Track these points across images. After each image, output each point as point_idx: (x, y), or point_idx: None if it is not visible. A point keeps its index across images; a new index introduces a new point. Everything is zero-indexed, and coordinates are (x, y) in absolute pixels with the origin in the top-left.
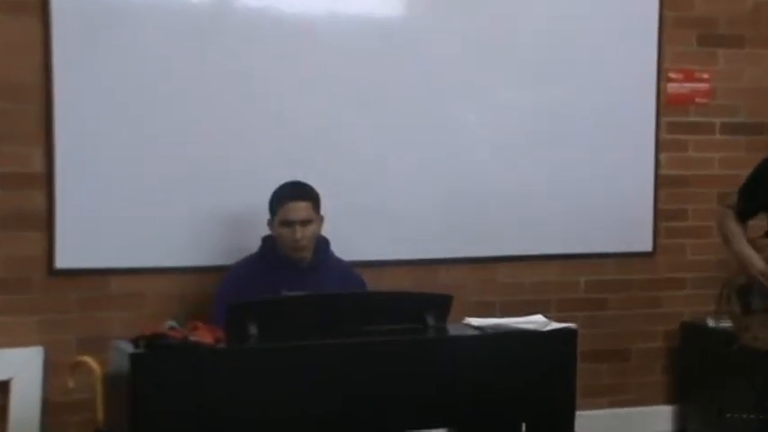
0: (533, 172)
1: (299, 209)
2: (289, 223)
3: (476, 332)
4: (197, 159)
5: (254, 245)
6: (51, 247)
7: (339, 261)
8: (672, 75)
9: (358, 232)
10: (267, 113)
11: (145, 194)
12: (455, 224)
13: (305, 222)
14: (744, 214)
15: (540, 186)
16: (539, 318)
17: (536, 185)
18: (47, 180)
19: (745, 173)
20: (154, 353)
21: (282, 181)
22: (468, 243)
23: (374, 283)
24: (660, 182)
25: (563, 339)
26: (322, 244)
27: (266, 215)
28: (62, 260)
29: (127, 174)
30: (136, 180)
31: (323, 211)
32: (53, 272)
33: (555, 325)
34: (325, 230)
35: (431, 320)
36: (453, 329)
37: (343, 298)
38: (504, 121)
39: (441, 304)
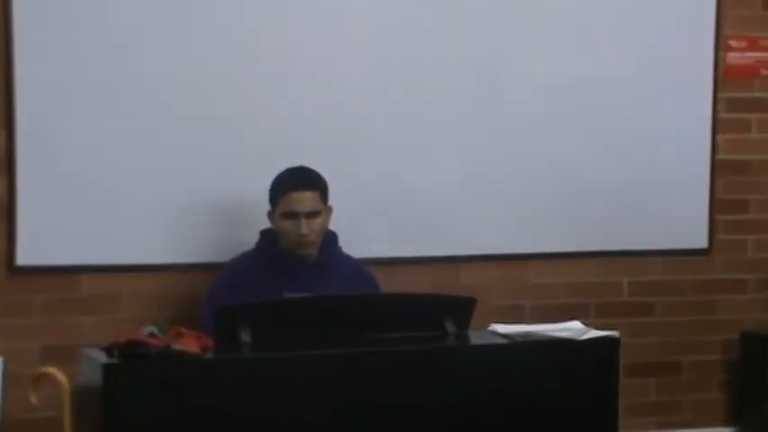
0: (569, 157)
1: (305, 199)
2: (293, 215)
3: (502, 341)
4: (183, 142)
5: (250, 240)
6: (12, 242)
7: (348, 258)
8: (732, 43)
9: (369, 226)
10: (265, 90)
11: (121, 181)
12: (480, 217)
13: (311, 214)
14: None
15: (577, 173)
16: (575, 324)
17: (572, 172)
18: (7, 166)
19: None
20: (130, 363)
21: (284, 167)
22: (494, 238)
23: (387, 283)
24: (717, 168)
25: (603, 350)
26: (329, 239)
27: (265, 205)
28: (24, 256)
29: (100, 158)
30: (111, 165)
31: (330, 202)
32: (14, 270)
33: (594, 333)
34: (333, 224)
35: (450, 327)
36: (476, 337)
37: (352, 300)
38: (538, 98)
39: (462, 308)
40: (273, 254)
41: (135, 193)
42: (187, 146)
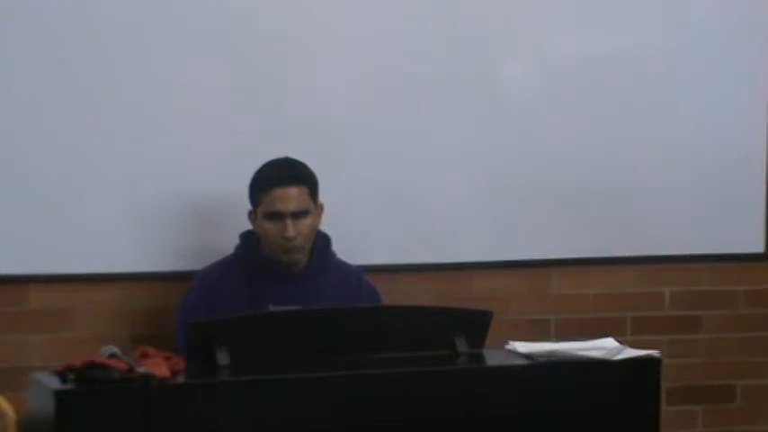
0: (598, 148)
1: (291, 196)
2: (277, 215)
3: (523, 362)
4: (150, 135)
5: (228, 244)
6: None
7: (343, 265)
8: None
9: (368, 228)
10: (246, 77)
11: (76, 179)
12: (495, 218)
13: (299, 214)
14: None
15: (609, 168)
16: (609, 342)
17: (603, 166)
18: None
19: None
20: (87, 389)
21: (266, 160)
22: (512, 242)
23: (389, 294)
24: None
25: (642, 372)
26: (321, 243)
27: (244, 205)
28: None
29: (50, 153)
30: (63, 160)
31: (323, 201)
32: None
33: (631, 352)
34: (326, 226)
35: (462, 345)
36: (492, 358)
37: (348, 315)
38: (560, 80)
39: (476, 323)
40: (255, 260)
41: (92, 192)
42: (154, 139)
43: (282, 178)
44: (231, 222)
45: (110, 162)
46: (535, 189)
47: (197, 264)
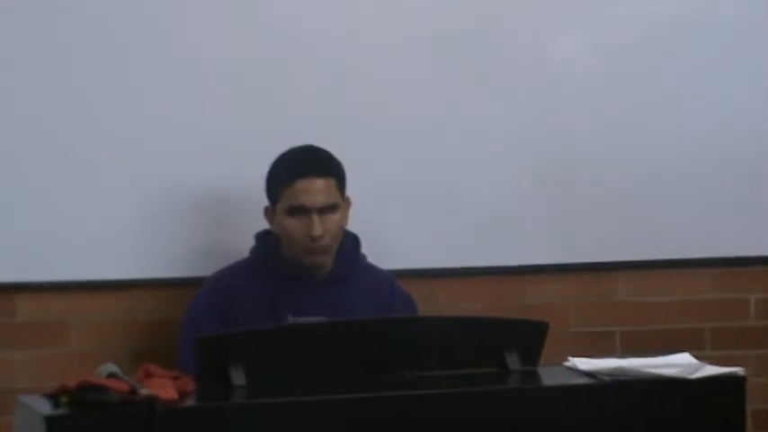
0: (671, 132)
1: (318, 189)
2: (301, 211)
3: (584, 381)
4: (150, 123)
5: (242, 247)
6: None
7: (374, 269)
8: None
9: (401, 226)
10: (255, 54)
11: (71, 175)
12: (551, 214)
13: (326, 209)
14: None
15: (682, 154)
16: (684, 358)
17: (674, 152)
18: None
19: None
20: (83, 415)
21: (283, 150)
22: (571, 242)
23: (427, 303)
24: None
25: (724, 392)
26: (349, 244)
27: (260, 201)
28: None
29: (45, 147)
30: (58, 155)
31: (349, 194)
32: None
33: (710, 369)
34: (354, 226)
35: (514, 362)
36: (549, 376)
37: (381, 327)
38: (625, 52)
39: (529, 337)
40: (273, 264)
41: (88, 190)
42: (157, 130)
43: (307, 168)
44: (245, 221)
45: (108, 157)
46: (596, 181)
47: (207, 268)
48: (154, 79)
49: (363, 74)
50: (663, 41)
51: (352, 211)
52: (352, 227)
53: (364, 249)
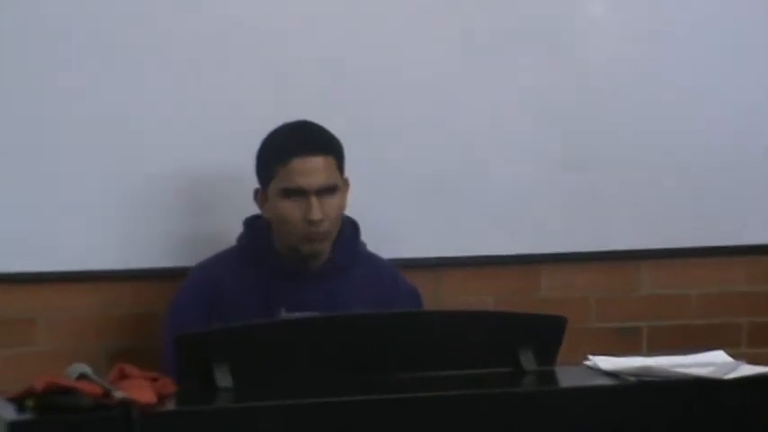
0: (705, 109)
1: (316, 168)
2: (298, 193)
3: (607, 381)
4: (127, 102)
5: (229, 235)
6: None
7: (375, 259)
8: None
9: (404, 212)
10: (241, 26)
11: (41, 157)
12: (569, 197)
13: (325, 191)
14: None
15: (718, 133)
16: (718, 356)
17: (709, 132)
18: None
19: None
20: (51, 420)
21: (276, 125)
22: (592, 228)
23: (433, 296)
24: None
25: (762, 394)
26: (348, 230)
27: (249, 183)
28: None
29: (13, 126)
30: (27, 135)
31: (348, 179)
32: None
33: (746, 369)
34: (354, 211)
35: (529, 361)
36: (567, 376)
37: (383, 323)
38: (657, 19)
39: (546, 333)
40: (264, 253)
41: (60, 173)
42: (135, 109)
43: (304, 146)
44: (231, 207)
45: (82, 137)
46: (618, 162)
47: (190, 258)
48: (134, 62)
49: (368, 46)
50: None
51: (350, 195)
52: (350, 212)
53: (364, 236)
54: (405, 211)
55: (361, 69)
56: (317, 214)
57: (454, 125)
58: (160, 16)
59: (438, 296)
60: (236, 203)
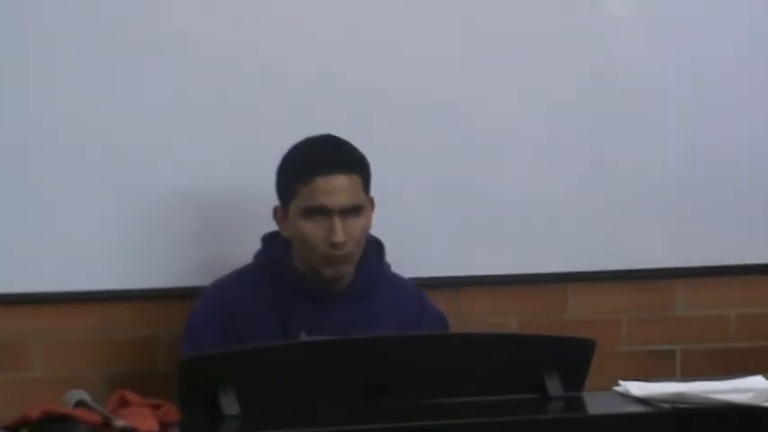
0: (740, 121)
1: (341, 187)
2: (321, 212)
3: (638, 409)
4: (127, 117)
5: (244, 252)
6: None
7: (400, 281)
8: None
9: (425, 229)
10: (259, 38)
11: (40, 171)
12: (597, 213)
13: (350, 211)
14: None
15: (750, 146)
16: (758, 382)
17: (739, 144)
18: None
19: None
20: None
21: (289, 144)
22: (622, 245)
23: (453, 317)
24: None
25: None
26: (372, 251)
27: (268, 200)
28: None
29: (10, 140)
30: (25, 148)
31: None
32: None
33: None
34: (375, 230)
35: (555, 386)
36: (596, 403)
37: (406, 346)
38: (687, 19)
39: (573, 356)
40: (283, 272)
41: (61, 187)
42: (144, 121)
43: (328, 163)
44: (241, 225)
45: (81, 154)
46: (651, 174)
47: (195, 279)
48: (143, 75)
49: (386, 61)
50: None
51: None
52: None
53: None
54: (422, 227)
55: (382, 88)
56: (340, 236)
57: (476, 138)
58: (169, 32)
59: (458, 318)
60: (246, 223)
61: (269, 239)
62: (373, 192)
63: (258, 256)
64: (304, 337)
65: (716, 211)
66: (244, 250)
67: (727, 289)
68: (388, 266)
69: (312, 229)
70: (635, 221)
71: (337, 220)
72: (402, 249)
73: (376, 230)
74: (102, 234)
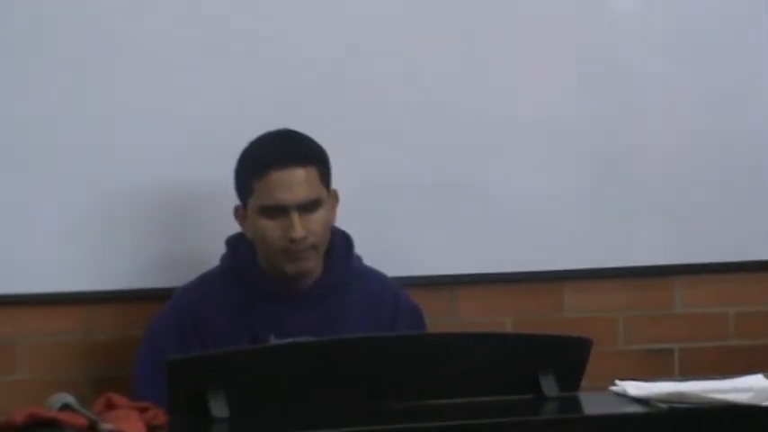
0: (745, 116)
1: (296, 181)
2: (278, 209)
3: (635, 409)
4: (107, 116)
5: (211, 253)
6: None
7: (371, 275)
8: None
9: (418, 226)
10: (240, 35)
11: (18, 171)
12: (594, 210)
13: (308, 206)
14: None
15: (754, 142)
16: (757, 381)
17: (744, 141)
18: None
19: None
20: None
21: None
22: (618, 243)
23: (448, 316)
24: None
25: None
26: (339, 244)
27: (230, 199)
28: None
29: None
30: (3, 147)
31: (354, 190)
32: None
33: None
34: (361, 224)
35: (551, 386)
36: (592, 403)
37: (391, 346)
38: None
39: (569, 356)
40: (248, 274)
41: (40, 188)
42: (118, 119)
43: (283, 156)
44: (221, 223)
45: (63, 150)
46: (648, 170)
47: (178, 278)
48: (108, 71)
49: (385, 57)
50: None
51: (358, 209)
52: (361, 226)
53: (373, 252)
54: (415, 225)
55: (368, 80)
56: (299, 232)
57: (470, 134)
58: (144, 22)
59: (452, 316)
60: (223, 220)
61: (233, 241)
62: (368, 190)
63: (224, 258)
64: (273, 340)
65: (714, 209)
66: (213, 252)
67: (726, 287)
68: (358, 259)
69: (271, 227)
70: (632, 219)
71: (295, 216)
72: (397, 247)
73: (370, 228)
74: (86, 235)
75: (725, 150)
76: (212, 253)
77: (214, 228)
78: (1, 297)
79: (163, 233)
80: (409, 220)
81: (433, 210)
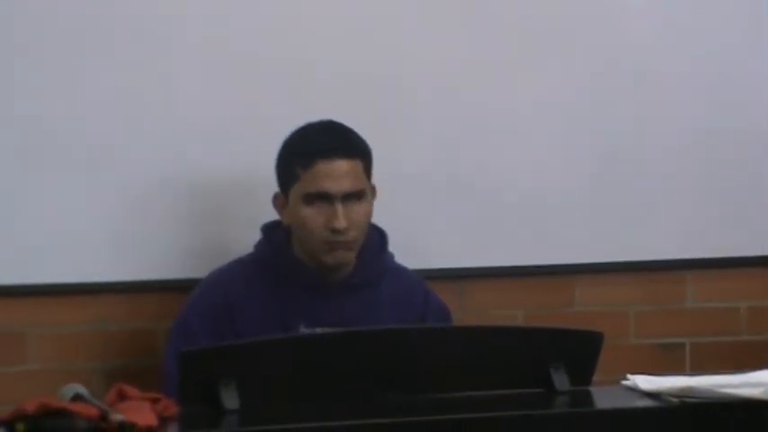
0: (759, 108)
1: (343, 173)
2: (322, 198)
3: (647, 403)
4: (120, 102)
5: (243, 242)
6: None
7: (404, 273)
8: None
9: (428, 219)
10: (258, 29)
11: (31, 158)
12: (606, 205)
13: (352, 197)
14: None
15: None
16: None
17: (756, 133)
18: None
19: None
20: None
21: (290, 127)
22: (629, 237)
23: (458, 310)
24: None
25: None
26: (374, 240)
27: (268, 188)
28: None
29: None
30: (16, 134)
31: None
32: None
33: None
34: (378, 220)
35: (562, 380)
36: (604, 397)
37: (409, 339)
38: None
39: (580, 350)
40: (283, 263)
41: (54, 175)
42: (141, 103)
43: (330, 148)
44: (238, 214)
45: (74, 144)
46: (659, 163)
47: (191, 270)
48: (136, 63)
49: (393, 52)
50: None
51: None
52: (372, 219)
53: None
54: (426, 218)
55: (384, 75)
56: (342, 222)
57: (480, 128)
58: (167, 16)
59: (463, 310)
60: (243, 212)
61: (268, 230)
62: (378, 183)
63: (258, 245)
64: (303, 330)
65: (725, 203)
66: (242, 240)
67: (738, 281)
68: (391, 256)
69: (313, 215)
70: (643, 213)
71: (339, 206)
72: (407, 241)
73: (381, 221)
74: (99, 226)
75: (737, 144)
76: (226, 245)
77: (228, 220)
78: (13, 287)
79: (176, 225)
80: (420, 213)
81: (444, 203)
